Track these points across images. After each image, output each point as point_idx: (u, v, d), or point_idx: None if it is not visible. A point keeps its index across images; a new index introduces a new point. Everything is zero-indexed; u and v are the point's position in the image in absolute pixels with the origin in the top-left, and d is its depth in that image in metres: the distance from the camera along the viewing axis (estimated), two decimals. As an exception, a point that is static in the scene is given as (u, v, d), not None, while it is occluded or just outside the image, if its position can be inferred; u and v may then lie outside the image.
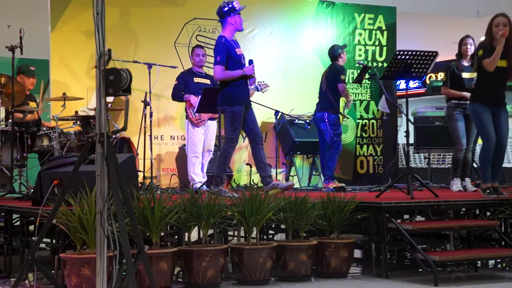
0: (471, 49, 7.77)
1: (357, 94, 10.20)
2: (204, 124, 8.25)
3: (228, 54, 6.90)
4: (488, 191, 6.68)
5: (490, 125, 6.64)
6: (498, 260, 6.80)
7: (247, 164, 8.79)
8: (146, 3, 9.09)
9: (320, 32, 10.10)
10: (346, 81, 9.82)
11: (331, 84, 8.35)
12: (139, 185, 6.54)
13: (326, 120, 8.27)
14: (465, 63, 7.80)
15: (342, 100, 8.49)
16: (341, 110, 8.41)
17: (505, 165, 12.50)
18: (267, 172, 6.95)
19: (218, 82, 7.12)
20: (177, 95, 8.32)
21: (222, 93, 6.97)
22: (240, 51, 7.06)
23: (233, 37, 7.08)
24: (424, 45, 8.49)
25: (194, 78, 8.33)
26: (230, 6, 6.97)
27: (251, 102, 7.16)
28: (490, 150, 6.63)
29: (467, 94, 7.50)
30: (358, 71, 8.99)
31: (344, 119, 8.54)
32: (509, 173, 10.58)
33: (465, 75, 7.75)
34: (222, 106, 6.98)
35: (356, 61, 9.82)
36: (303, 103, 9.22)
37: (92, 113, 7.64)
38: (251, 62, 7.00)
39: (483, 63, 6.59)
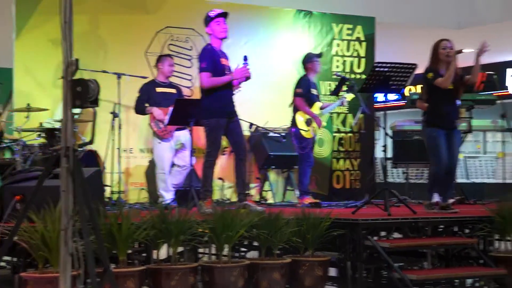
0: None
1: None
2: (171, 136, 8.00)
3: (214, 61, 6.66)
4: (431, 206, 6.73)
5: (444, 149, 6.75)
6: (476, 279, 6.73)
7: (219, 178, 8.60)
8: (116, 10, 8.82)
9: (297, 42, 9.90)
10: (323, 92, 9.72)
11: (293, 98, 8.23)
12: (106, 200, 6.38)
13: (293, 134, 8.17)
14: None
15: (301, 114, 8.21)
16: (302, 125, 8.14)
17: (484, 180, 12.59)
18: (243, 189, 6.80)
19: (202, 91, 6.80)
20: (140, 108, 8.09)
21: (201, 104, 6.74)
22: (225, 62, 6.79)
23: (221, 48, 6.82)
24: (404, 56, 8.38)
25: (156, 88, 8.10)
26: (206, 15, 6.79)
27: (235, 113, 6.84)
28: (440, 175, 6.75)
29: None
30: (336, 83, 8.83)
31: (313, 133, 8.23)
32: (488, 189, 10.54)
33: None
34: (200, 119, 6.78)
35: (334, 73, 9.65)
36: (278, 115, 9.02)
37: (57, 125, 7.43)
38: (245, 58, 6.68)
39: (436, 83, 6.75)
